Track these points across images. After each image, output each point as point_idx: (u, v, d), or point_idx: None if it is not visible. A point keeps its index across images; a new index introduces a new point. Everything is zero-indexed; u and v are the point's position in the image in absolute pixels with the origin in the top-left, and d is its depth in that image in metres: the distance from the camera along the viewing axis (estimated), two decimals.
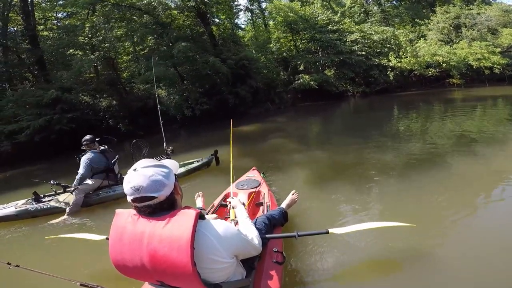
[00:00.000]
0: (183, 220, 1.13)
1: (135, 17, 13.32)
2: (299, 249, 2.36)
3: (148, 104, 12.11)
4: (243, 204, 1.99)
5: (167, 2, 12.70)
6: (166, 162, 1.29)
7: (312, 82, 14.74)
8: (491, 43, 15.91)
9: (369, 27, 17.92)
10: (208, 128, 11.42)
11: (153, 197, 1.16)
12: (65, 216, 3.67)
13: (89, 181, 3.95)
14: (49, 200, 3.94)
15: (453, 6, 19.03)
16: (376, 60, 16.25)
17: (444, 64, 15.30)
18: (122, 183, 3.45)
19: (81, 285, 1.71)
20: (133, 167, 1.21)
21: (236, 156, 3.67)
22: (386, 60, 16.05)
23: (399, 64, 15.79)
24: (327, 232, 1.93)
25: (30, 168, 8.36)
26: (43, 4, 13.69)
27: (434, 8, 19.49)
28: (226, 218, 2.15)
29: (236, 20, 18.71)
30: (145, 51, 14.12)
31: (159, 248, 1.12)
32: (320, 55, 16.60)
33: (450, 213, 2.81)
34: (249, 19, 23.06)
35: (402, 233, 2.36)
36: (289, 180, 4.25)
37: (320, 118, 12.01)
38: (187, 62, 13.33)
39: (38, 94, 9.89)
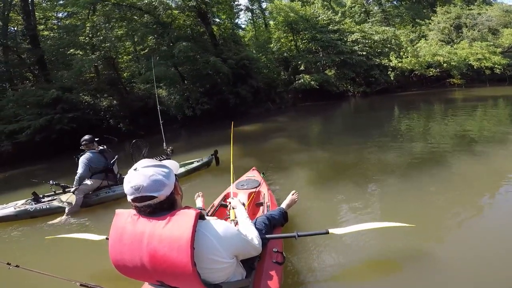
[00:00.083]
0: (183, 220, 1.14)
1: (135, 17, 13.33)
2: (299, 249, 2.36)
3: (148, 104, 12.11)
4: (243, 204, 1.99)
5: (167, 1, 12.71)
6: (166, 162, 1.29)
7: (312, 82, 14.72)
8: (492, 43, 15.87)
9: (369, 27, 17.89)
10: (209, 128, 11.43)
11: (153, 197, 1.16)
12: (64, 217, 3.67)
13: (88, 182, 3.93)
14: (49, 201, 3.94)
15: (454, 6, 19.00)
16: (377, 60, 16.23)
17: (444, 64, 15.27)
18: (121, 183, 3.47)
19: (81, 285, 1.71)
20: (134, 167, 1.21)
21: (236, 156, 3.67)
22: (386, 60, 16.01)
23: (399, 64, 15.75)
24: (327, 233, 1.93)
25: (31, 168, 8.36)
26: (44, 4, 13.72)
27: (435, 8, 19.46)
28: (226, 219, 2.15)
29: (236, 20, 18.80)
30: (146, 51, 14.10)
31: (159, 248, 1.12)
32: (321, 55, 16.58)
33: (450, 213, 2.81)
34: (249, 19, 23.16)
35: (402, 233, 2.36)
36: (289, 180, 4.24)
37: (320, 118, 11.99)
38: (187, 62, 13.34)
39: (38, 94, 9.90)
